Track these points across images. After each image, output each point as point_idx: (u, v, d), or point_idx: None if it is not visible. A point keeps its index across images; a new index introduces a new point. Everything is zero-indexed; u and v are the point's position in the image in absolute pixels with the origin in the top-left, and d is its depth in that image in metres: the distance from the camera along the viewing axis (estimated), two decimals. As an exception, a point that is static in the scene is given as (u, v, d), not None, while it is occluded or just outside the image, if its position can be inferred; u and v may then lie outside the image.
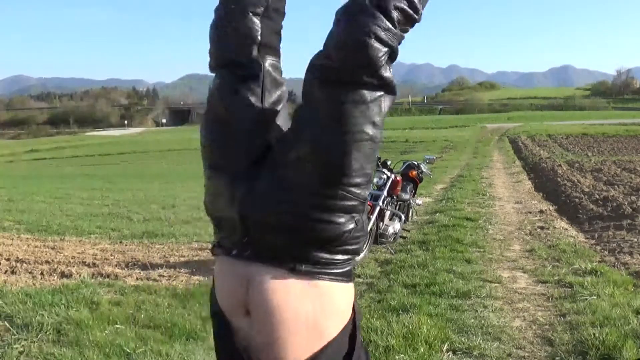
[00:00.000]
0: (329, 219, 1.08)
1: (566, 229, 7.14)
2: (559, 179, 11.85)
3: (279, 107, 1.22)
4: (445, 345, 3.43)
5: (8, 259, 5.72)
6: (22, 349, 3.37)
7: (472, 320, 3.85)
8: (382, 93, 1.07)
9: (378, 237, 5.76)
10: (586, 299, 4.18)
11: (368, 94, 1.05)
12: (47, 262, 5.66)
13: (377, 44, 1.02)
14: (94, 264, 5.58)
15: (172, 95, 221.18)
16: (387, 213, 5.95)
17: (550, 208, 8.79)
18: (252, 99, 1.19)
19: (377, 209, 5.70)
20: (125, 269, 5.41)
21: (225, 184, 1.16)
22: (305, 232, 1.08)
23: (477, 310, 4.05)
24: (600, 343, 3.29)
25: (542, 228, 7.14)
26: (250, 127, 1.18)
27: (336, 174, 1.06)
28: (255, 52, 1.21)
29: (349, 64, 1.03)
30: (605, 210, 7.91)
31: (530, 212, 8.42)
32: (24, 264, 5.55)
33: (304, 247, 1.09)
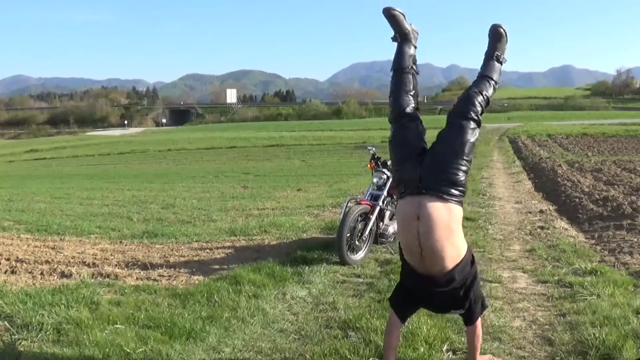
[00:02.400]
0: (459, 175, 2.74)
1: (566, 229, 7.14)
2: (559, 179, 11.84)
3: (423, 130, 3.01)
4: (445, 345, 3.43)
5: (8, 259, 5.72)
6: (22, 348, 3.37)
7: (472, 320, 3.85)
8: (477, 124, 2.89)
9: (378, 237, 5.76)
10: (586, 299, 4.18)
11: (476, 123, 2.88)
12: (47, 262, 5.65)
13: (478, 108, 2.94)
14: (94, 264, 5.58)
15: (172, 95, 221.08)
16: (387, 213, 5.95)
17: (550, 208, 8.79)
18: (418, 128, 2.97)
19: (377, 209, 5.70)
20: (125, 269, 5.41)
21: (411, 163, 2.82)
22: (449, 179, 2.72)
23: (477, 310, 4.05)
24: (600, 343, 3.29)
25: (542, 228, 7.14)
26: (418, 138, 2.93)
27: (463, 155, 2.78)
28: (414, 110, 3.03)
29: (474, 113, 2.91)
30: (605, 210, 7.90)
31: (530, 212, 8.42)
32: (24, 264, 5.55)
33: (446, 187, 2.71)
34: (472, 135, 2.84)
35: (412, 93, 3.05)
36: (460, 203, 2.78)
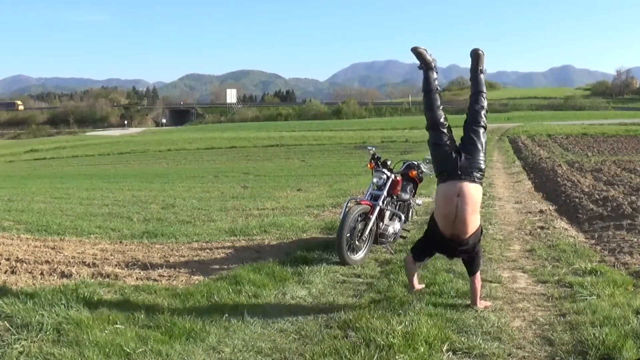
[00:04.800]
0: (482, 164, 4.13)
1: (566, 229, 7.14)
2: (559, 179, 11.84)
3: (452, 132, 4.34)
4: (445, 345, 3.43)
5: (8, 259, 5.72)
6: (22, 349, 3.36)
7: (472, 320, 3.86)
8: (485, 128, 4.27)
9: (378, 237, 5.76)
10: (586, 299, 4.18)
11: (484, 128, 4.27)
12: (47, 262, 5.66)
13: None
14: (94, 264, 5.58)
15: (172, 95, 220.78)
16: (387, 213, 5.95)
17: (550, 208, 8.79)
18: (449, 133, 4.29)
19: (377, 209, 5.70)
20: (125, 269, 5.41)
21: (451, 158, 4.09)
22: (477, 167, 4.08)
23: (477, 310, 4.06)
24: (600, 343, 3.30)
25: (542, 228, 7.14)
26: (450, 140, 4.25)
27: (483, 150, 4.18)
28: (445, 119, 4.33)
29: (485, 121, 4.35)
30: (605, 210, 7.90)
31: (530, 212, 8.42)
32: (24, 264, 5.55)
33: (476, 172, 4.06)
34: (484, 137, 4.23)
35: (441, 107, 4.35)
36: (482, 183, 4.16)
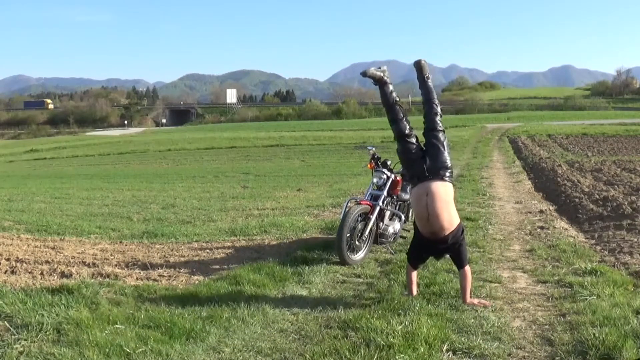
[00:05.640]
0: (448, 162, 4.42)
1: (566, 229, 7.14)
2: (559, 179, 11.84)
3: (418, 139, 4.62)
4: (445, 345, 3.43)
5: (8, 259, 5.72)
6: (22, 349, 3.37)
7: (472, 320, 3.86)
8: (443, 131, 4.59)
9: (378, 237, 5.76)
10: (586, 299, 4.18)
11: (443, 131, 4.58)
12: (47, 262, 5.66)
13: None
14: (94, 264, 5.58)
15: (172, 95, 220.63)
16: (387, 213, 5.95)
17: (550, 208, 8.79)
18: (416, 141, 4.55)
19: (377, 209, 5.70)
20: (125, 269, 5.41)
21: (418, 164, 4.39)
22: (444, 167, 4.37)
23: (477, 310, 4.06)
24: (600, 343, 3.30)
25: (542, 228, 7.14)
26: (417, 147, 4.53)
27: (445, 150, 4.46)
28: (410, 130, 4.58)
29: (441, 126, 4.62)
30: (605, 210, 7.90)
31: (530, 212, 8.42)
32: (24, 264, 5.55)
33: (443, 172, 4.35)
34: (445, 138, 4.54)
35: (404, 119, 4.63)
36: (452, 181, 4.43)
